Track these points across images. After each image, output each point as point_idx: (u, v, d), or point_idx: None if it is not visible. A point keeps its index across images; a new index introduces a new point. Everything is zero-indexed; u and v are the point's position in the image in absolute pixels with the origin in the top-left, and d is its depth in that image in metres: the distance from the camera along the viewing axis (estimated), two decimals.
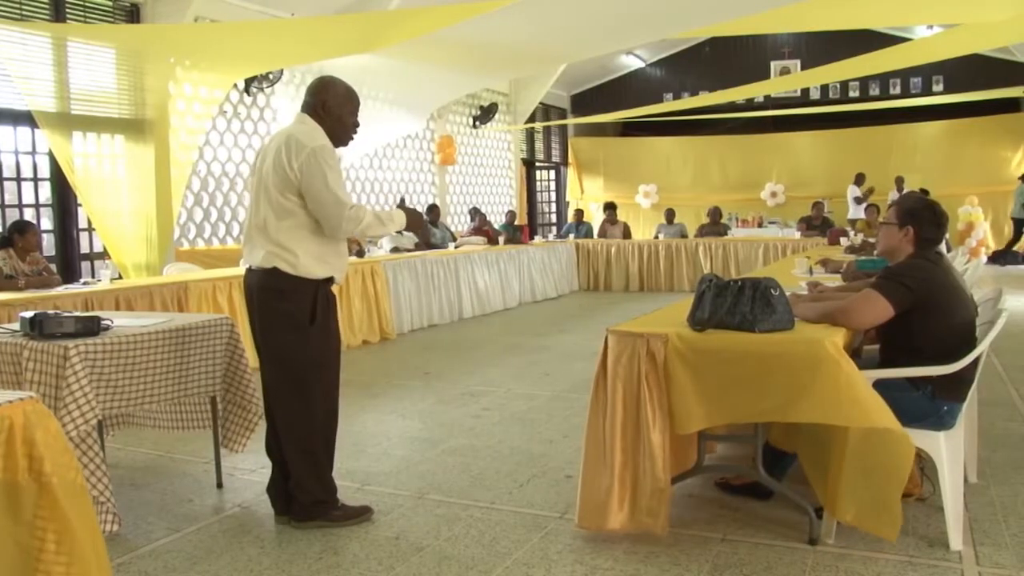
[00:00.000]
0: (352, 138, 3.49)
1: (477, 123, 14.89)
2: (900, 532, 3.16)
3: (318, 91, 3.38)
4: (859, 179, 14.33)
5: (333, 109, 3.37)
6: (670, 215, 13.55)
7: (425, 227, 10.74)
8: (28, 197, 7.97)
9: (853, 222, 13.36)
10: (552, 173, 18.56)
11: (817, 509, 3.14)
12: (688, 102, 14.94)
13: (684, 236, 13.04)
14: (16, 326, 3.50)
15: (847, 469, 2.90)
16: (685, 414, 2.99)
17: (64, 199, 8.06)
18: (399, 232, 3.66)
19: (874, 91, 15.61)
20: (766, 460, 3.30)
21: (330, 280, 3.38)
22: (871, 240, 7.44)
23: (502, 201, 15.89)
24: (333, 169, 3.22)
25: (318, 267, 3.30)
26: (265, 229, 3.28)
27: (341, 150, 3.42)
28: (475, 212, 12.76)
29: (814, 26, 12.04)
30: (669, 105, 15.02)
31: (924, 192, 11.71)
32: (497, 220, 14.09)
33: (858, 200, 14.15)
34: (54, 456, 2.02)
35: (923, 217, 3.28)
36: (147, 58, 8.09)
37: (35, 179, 8.01)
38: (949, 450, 3.06)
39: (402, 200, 11.55)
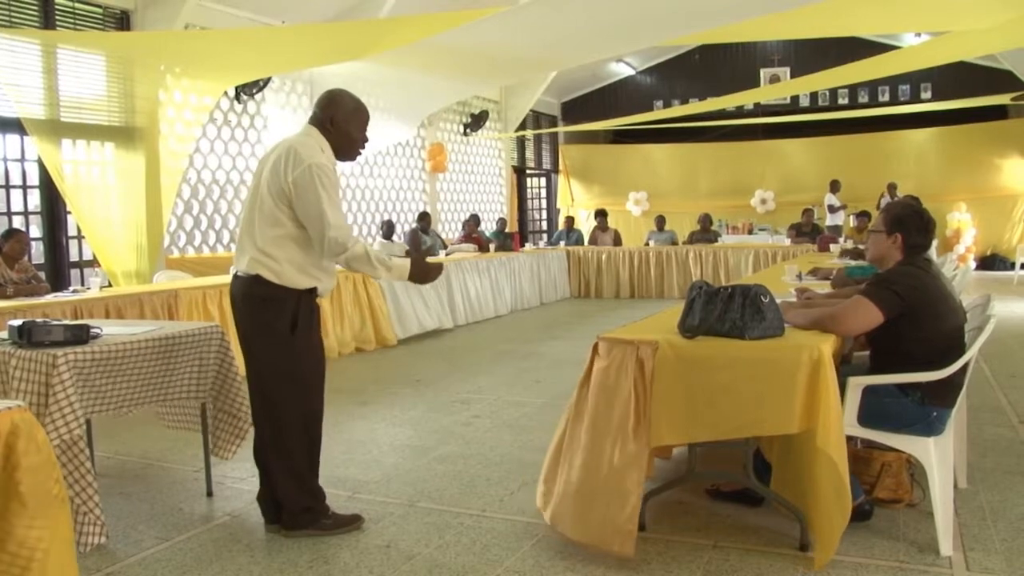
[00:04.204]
0: (360, 153, 3.46)
1: (468, 130, 14.92)
2: (891, 538, 3.18)
3: (327, 105, 3.35)
4: (834, 186, 14.39)
5: (340, 124, 3.34)
6: (660, 222, 13.59)
7: (416, 237, 10.67)
8: (17, 205, 7.94)
9: (833, 229, 13.44)
10: (543, 180, 18.60)
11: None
12: (678, 110, 15.00)
13: (675, 243, 13.07)
14: (4, 334, 3.48)
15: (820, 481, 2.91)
16: (669, 424, 2.97)
17: (53, 207, 8.03)
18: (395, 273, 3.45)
19: (863, 98, 15.71)
20: (756, 467, 3.31)
21: (313, 291, 3.35)
22: (861, 246, 7.48)
23: (493, 208, 15.90)
24: (327, 188, 3.17)
25: (301, 278, 3.27)
26: (253, 235, 3.26)
27: (333, 159, 3.39)
28: (473, 219, 12.72)
29: (803, 34, 12.11)
30: (659, 113, 15.08)
31: (914, 199, 11.77)
32: (488, 227, 14.11)
33: (832, 208, 14.20)
34: (37, 467, 2.00)
35: (911, 224, 3.30)
36: (137, 65, 8.08)
37: (24, 186, 7.99)
38: (939, 456, 3.07)
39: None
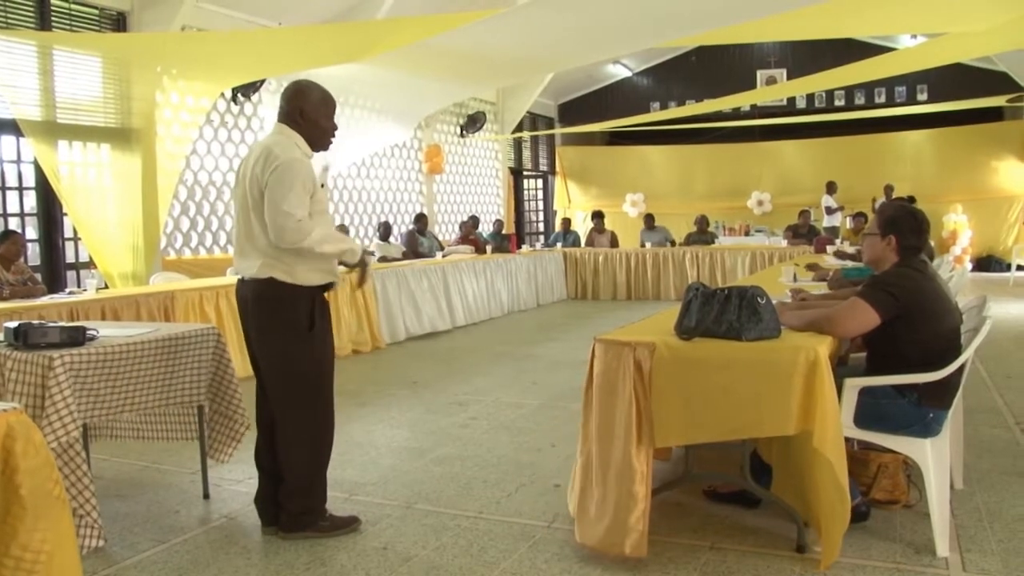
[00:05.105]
0: (332, 141, 3.49)
1: (464, 132, 14.91)
2: (888, 539, 3.19)
3: (293, 98, 3.38)
4: (831, 187, 14.39)
5: (310, 115, 3.36)
6: (650, 220, 13.61)
7: (413, 239, 10.68)
8: (13, 206, 7.92)
9: (830, 230, 13.44)
10: (539, 182, 18.60)
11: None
12: (675, 111, 15.01)
13: (667, 239, 13.08)
14: (0, 336, 3.47)
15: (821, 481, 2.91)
16: (666, 426, 2.98)
17: (49, 208, 8.02)
18: (346, 264, 3.48)
19: (859, 100, 15.72)
20: (753, 468, 3.31)
21: (325, 287, 3.38)
22: (860, 248, 7.50)
23: (490, 210, 15.90)
24: (298, 181, 3.18)
25: (314, 275, 3.32)
26: (254, 239, 3.27)
27: (330, 160, 3.43)
28: (472, 220, 12.72)
29: (800, 35, 12.13)
30: (656, 115, 15.09)
31: (911, 199, 11.81)
32: (485, 229, 14.13)
33: (829, 210, 14.20)
34: (36, 469, 2.00)
35: (904, 225, 3.30)
36: (134, 67, 8.07)
37: (20, 188, 7.97)
38: (935, 457, 3.07)
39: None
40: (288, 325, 3.29)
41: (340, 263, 3.45)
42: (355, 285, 3.50)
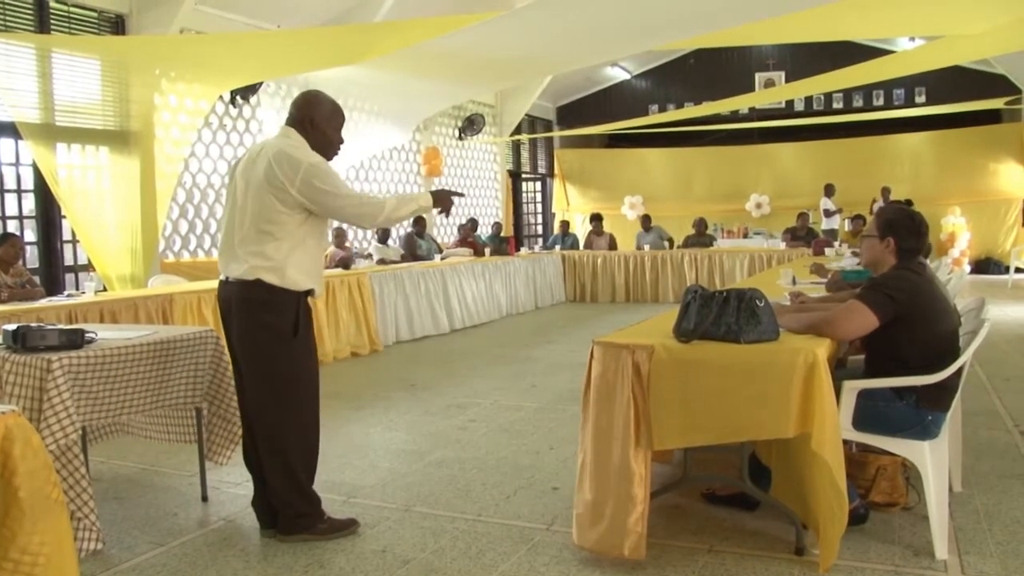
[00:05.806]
0: (336, 154, 3.50)
1: (463, 135, 14.90)
2: (887, 542, 3.19)
3: (304, 106, 3.39)
4: (829, 190, 14.38)
5: (319, 125, 3.38)
6: (646, 221, 13.65)
7: (412, 242, 10.70)
8: (11, 209, 7.92)
9: (828, 232, 13.45)
10: (538, 184, 18.60)
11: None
12: (673, 114, 15.03)
13: (662, 237, 13.08)
14: None
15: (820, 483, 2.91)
16: (664, 428, 2.98)
17: (48, 211, 8.01)
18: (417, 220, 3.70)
19: (857, 102, 15.74)
20: (752, 470, 3.31)
21: (310, 292, 3.38)
22: (855, 249, 7.49)
23: (488, 213, 15.90)
24: (334, 176, 3.27)
25: (304, 279, 3.31)
26: (247, 240, 3.26)
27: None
28: (471, 223, 12.72)
29: (798, 38, 12.15)
30: (655, 117, 15.11)
31: (908, 203, 11.82)
32: (484, 232, 14.12)
33: (828, 212, 14.21)
34: (34, 472, 2.00)
35: (902, 227, 3.30)
36: (132, 69, 8.06)
37: (19, 191, 7.96)
38: (934, 459, 3.07)
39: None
40: (272, 328, 3.28)
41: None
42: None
